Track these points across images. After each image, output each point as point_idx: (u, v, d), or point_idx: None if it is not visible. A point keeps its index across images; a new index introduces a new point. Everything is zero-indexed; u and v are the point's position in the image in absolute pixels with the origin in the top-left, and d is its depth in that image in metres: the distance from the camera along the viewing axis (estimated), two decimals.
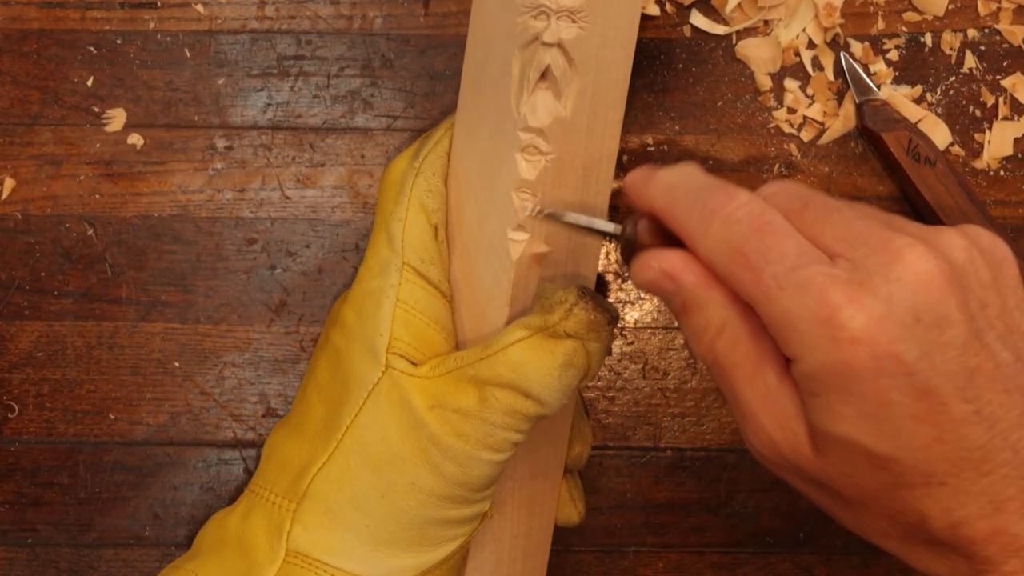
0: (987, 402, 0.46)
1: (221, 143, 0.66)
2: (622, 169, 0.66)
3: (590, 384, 0.67)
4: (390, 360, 0.56)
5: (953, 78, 0.66)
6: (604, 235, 0.55)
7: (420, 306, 0.57)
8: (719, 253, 0.49)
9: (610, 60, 0.53)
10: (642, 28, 0.65)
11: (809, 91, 0.66)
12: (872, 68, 0.66)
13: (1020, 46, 0.66)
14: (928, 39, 0.66)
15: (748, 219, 0.48)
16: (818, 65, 0.66)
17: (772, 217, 0.48)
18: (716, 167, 0.66)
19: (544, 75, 0.53)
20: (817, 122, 0.66)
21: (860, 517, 0.49)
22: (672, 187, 0.51)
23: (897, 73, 0.66)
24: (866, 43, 0.66)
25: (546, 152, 0.54)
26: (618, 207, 0.66)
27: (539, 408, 0.55)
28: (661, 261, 0.51)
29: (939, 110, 0.66)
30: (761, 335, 0.50)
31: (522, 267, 0.56)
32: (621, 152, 0.66)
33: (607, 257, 0.67)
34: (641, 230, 0.52)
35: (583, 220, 0.55)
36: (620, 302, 0.67)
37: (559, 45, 0.52)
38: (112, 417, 0.67)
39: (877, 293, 0.45)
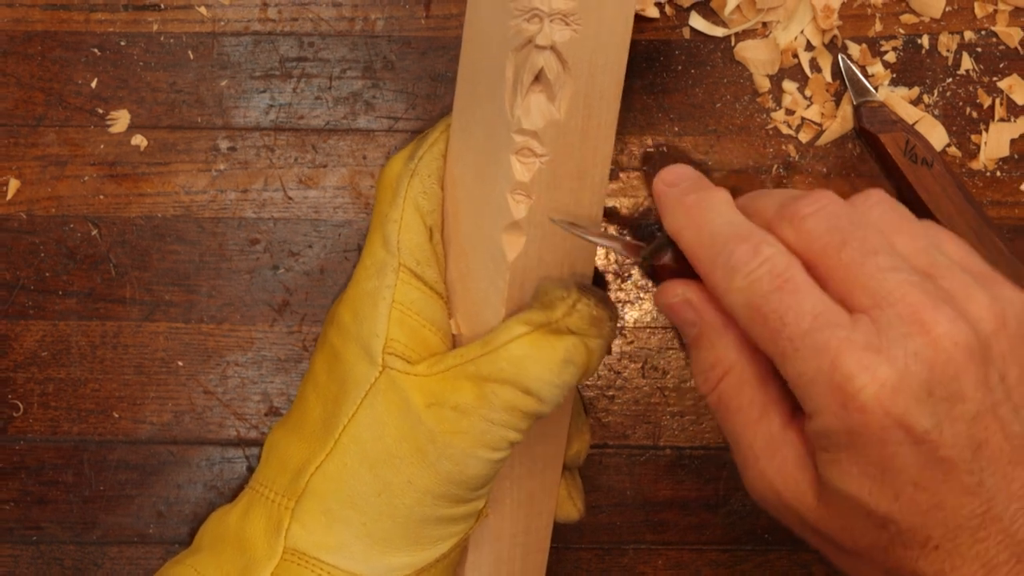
0: (990, 474, 0.46)
1: (224, 144, 0.67)
2: (620, 169, 0.66)
3: (589, 383, 0.68)
4: (387, 360, 0.56)
5: (950, 80, 0.66)
6: (628, 255, 0.55)
7: (416, 307, 0.57)
8: (739, 308, 0.49)
9: (604, 62, 0.54)
10: (641, 30, 0.66)
11: (807, 92, 0.66)
12: (870, 70, 0.66)
13: (1016, 48, 0.66)
14: (925, 41, 0.66)
15: (769, 276, 0.48)
16: (816, 67, 0.66)
17: (793, 273, 0.48)
18: (715, 168, 0.66)
19: (538, 78, 0.53)
20: (815, 123, 0.66)
21: (855, 566, 0.50)
22: (700, 227, 0.50)
23: (894, 75, 0.66)
24: (864, 45, 0.66)
25: (540, 154, 0.54)
26: (616, 209, 0.66)
27: (538, 405, 0.55)
28: (687, 290, 0.51)
29: (936, 111, 0.66)
30: (768, 381, 0.50)
31: (518, 269, 0.56)
32: (620, 153, 0.66)
33: (607, 257, 0.67)
34: (668, 257, 0.52)
35: (611, 244, 0.55)
36: (620, 302, 0.67)
37: (552, 48, 0.52)
38: (116, 416, 0.67)
39: (893, 363, 0.46)
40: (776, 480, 0.50)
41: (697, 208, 0.51)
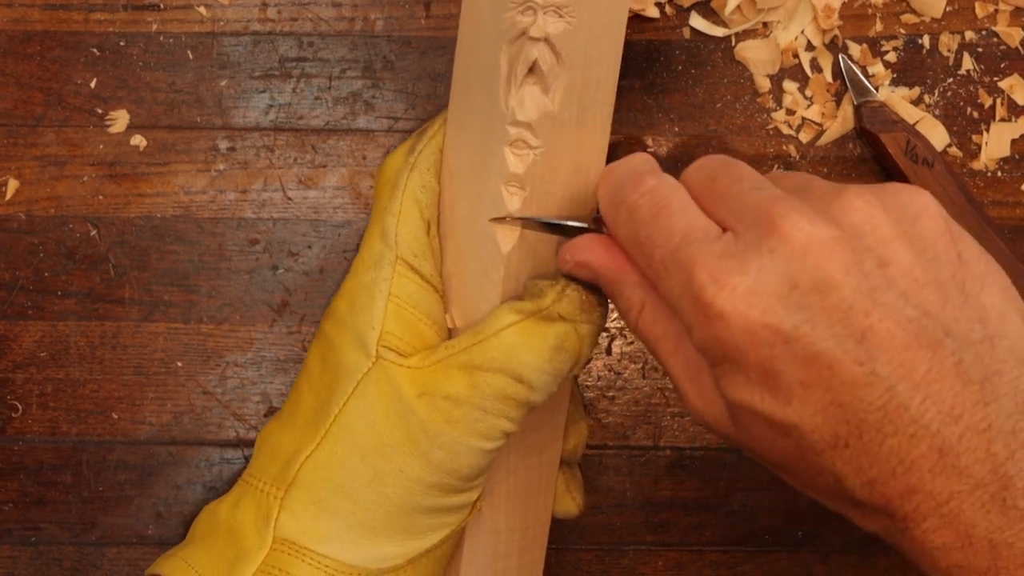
0: (884, 363, 0.45)
1: (223, 144, 0.67)
2: None
3: (589, 383, 0.68)
4: (380, 352, 0.56)
5: (951, 80, 0.66)
6: (577, 232, 0.55)
7: (412, 300, 0.57)
8: (625, 241, 0.50)
9: (598, 55, 0.54)
10: (641, 30, 0.66)
11: (808, 92, 0.66)
12: (870, 70, 0.66)
13: (1017, 48, 0.66)
14: (926, 41, 0.66)
15: (647, 205, 0.49)
16: (817, 67, 0.66)
17: (671, 199, 0.49)
18: None
19: (532, 70, 0.53)
20: (816, 123, 0.66)
21: (791, 479, 0.50)
22: (608, 178, 0.53)
23: (895, 75, 0.66)
24: (864, 45, 0.66)
25: (535, 146, 0.54)
26: None
27: (529, 393, 0.54)
28: (574, 252, 0.53)
29: (937, 111, 0.66)
30: None
31: (512, 261, 0.56)
32: (620, 153, 0.66)
33: None
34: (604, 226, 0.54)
35: (553, 219, 0.55)
36: None
37: (546, 40, 0.52)
38: (115, 416, 0.67)
39: (746, 267, 0.46)
40: (697, 403, 0.50)
41: (611, 167, 0.53)
